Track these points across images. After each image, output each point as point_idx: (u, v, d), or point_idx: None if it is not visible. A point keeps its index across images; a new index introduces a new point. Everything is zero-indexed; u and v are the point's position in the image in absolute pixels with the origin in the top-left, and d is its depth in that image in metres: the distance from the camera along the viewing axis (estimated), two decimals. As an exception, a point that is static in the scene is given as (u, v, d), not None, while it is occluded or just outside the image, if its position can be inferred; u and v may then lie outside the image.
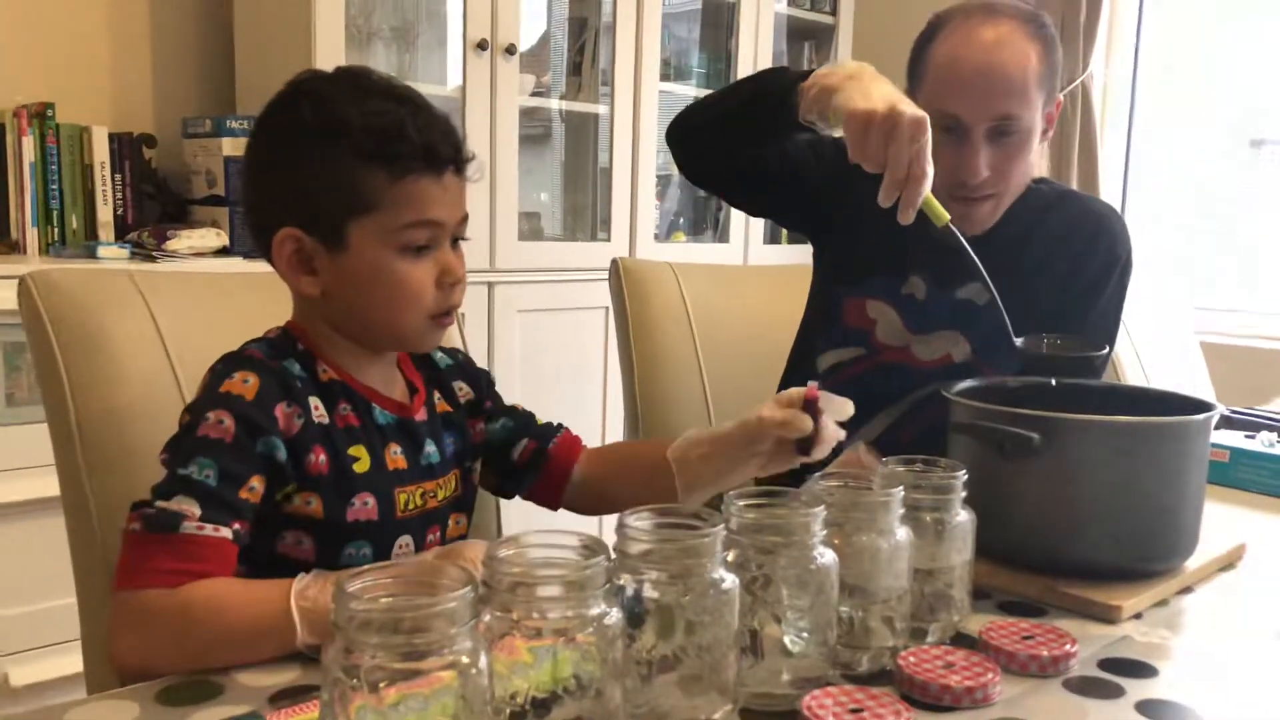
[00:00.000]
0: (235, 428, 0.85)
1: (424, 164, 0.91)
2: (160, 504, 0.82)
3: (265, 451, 0.87)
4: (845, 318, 1.42)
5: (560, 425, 1.14)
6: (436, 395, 1.05)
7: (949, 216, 1.09)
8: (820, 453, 0.99)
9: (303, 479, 0.90)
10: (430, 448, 1.01)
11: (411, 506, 0.97)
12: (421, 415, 1.01)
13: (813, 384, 0.98)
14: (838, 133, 1.09)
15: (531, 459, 1.11)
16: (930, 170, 1.04)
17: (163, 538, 0.80)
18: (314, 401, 0.92)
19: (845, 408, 0.99)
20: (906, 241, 1.35)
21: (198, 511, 0.81)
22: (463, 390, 1.09)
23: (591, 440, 1.17)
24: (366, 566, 0.58)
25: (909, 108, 1.03)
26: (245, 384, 0.88)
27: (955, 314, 1.36)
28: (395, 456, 0.97)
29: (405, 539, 0.97)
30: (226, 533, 0.82)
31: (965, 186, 1.28)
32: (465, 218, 0.97)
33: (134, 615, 0.80)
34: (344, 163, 0.90)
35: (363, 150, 0.89)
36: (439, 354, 1.09)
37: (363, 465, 0.93)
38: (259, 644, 0.78)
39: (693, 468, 1.03)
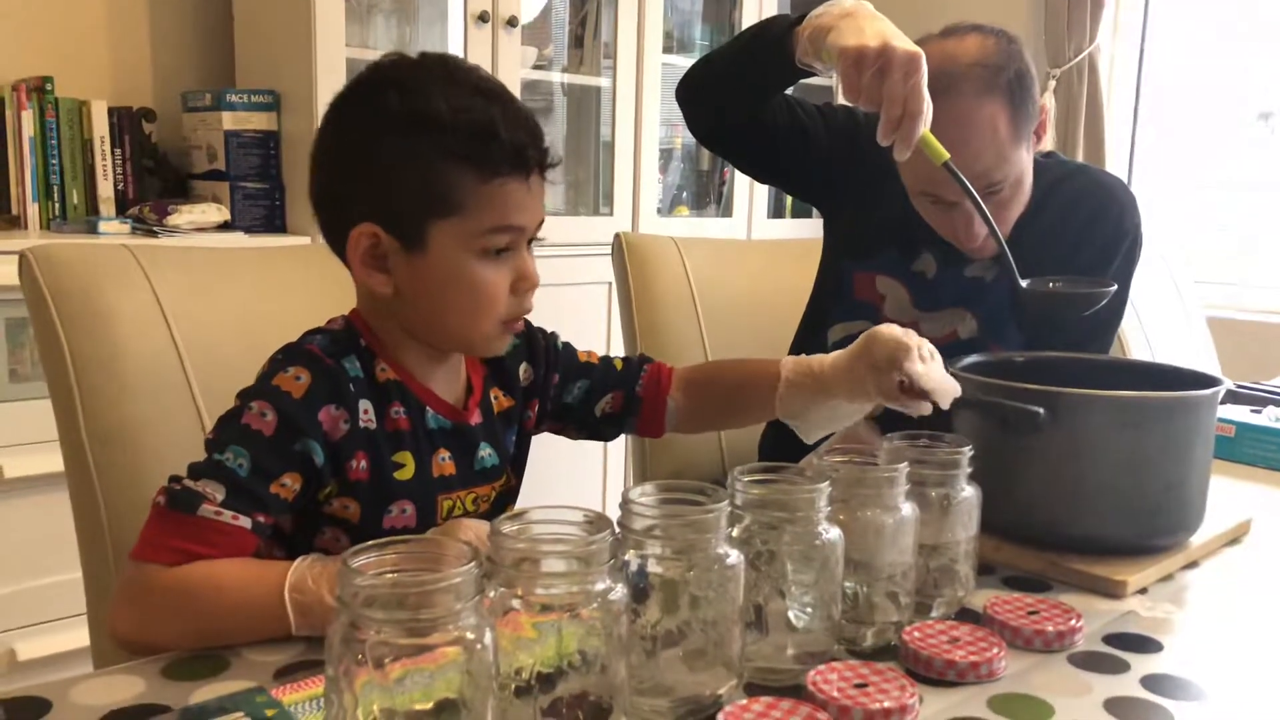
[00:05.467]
0: (276, 423, 0.84)
1: (512, 167, 0.87)
2: (187, 483, 0.82)
3: (303, 451, 0.85)
4: (856, 291, 1.41)
5: (644, 360, 1.12)
6: (494, 393, 1.02)
7: (948, 154, 1.06)
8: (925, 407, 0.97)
9: (343, 483, 0.89)
10: (485, 450, 0.98)
11: (458, 513, 0.95)
12: (476, 418, 0.98)
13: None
14: (833, 72, 1.07)
15: (624, 406, 1.10)
16: (926, 108, 1.02)
17: (179, 516, 0.80)
18: (364, 405, 0.89)
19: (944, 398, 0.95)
20: (918, 217, 1.33)
21: (220, 497, 0.81)
22: (525, 373, 1.05)
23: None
24: (370, 543, 0.58)
25: (902, 43, 1.01)
26: (297, 381, 0.86)
27: (964, 291, 1.35)
28: (443, 463, 0.94)
29: None
30: (245, 521, 0.81)
31: (965, 246, 1.27)
32: (543, 220, 0.93)
33: (134, 588, 0.80)
34: (431, 160, 0.85)
35: (452, 148, 0.85)
36: None
37: (406, 472, 0.91)
38: (253, 629, 0.78)
39: (800, 385, 1.03)
